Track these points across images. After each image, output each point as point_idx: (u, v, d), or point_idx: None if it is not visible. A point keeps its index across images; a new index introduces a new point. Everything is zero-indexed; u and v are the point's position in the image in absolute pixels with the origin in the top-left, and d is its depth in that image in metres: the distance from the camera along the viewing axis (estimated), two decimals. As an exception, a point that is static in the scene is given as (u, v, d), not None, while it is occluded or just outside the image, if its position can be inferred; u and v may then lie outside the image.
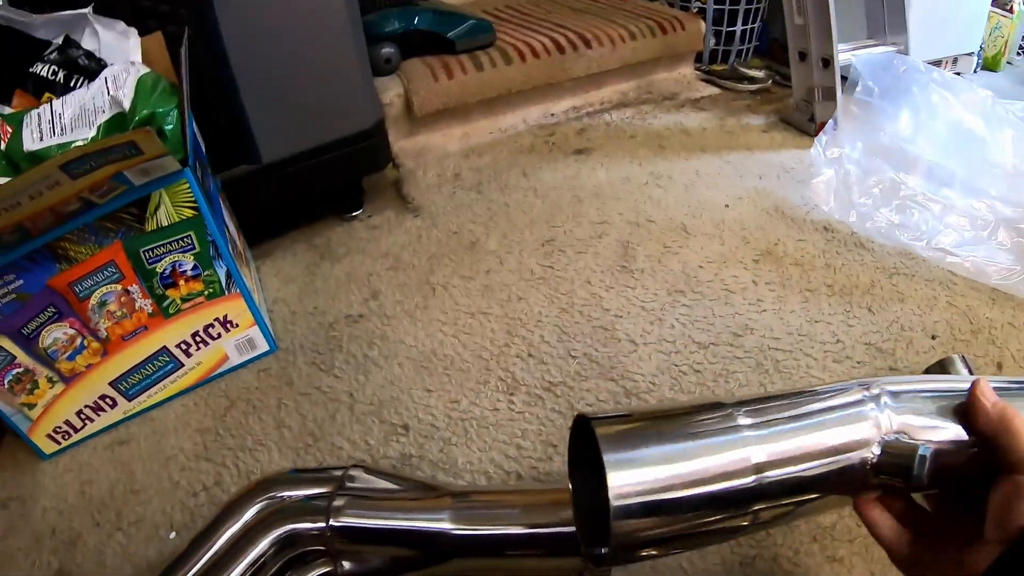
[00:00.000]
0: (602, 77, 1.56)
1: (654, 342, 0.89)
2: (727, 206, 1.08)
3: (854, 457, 0.43)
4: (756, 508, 0.43)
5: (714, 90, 1.64)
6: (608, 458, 0.40)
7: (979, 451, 0.43)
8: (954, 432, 0.44)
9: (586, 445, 0.46)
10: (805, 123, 1.38)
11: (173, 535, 0.72)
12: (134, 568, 0.70)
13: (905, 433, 0.44)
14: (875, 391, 0.45)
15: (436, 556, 0.65)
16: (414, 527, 0.64)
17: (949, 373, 0.66)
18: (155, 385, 0.85)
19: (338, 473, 0.70)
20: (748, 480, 0.42)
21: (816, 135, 1.23)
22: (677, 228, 1.05)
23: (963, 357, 0.69)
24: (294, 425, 0.82)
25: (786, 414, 0.44)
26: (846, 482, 0.44)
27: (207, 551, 0.64)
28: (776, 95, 1.61)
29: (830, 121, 1.22)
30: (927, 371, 0.69)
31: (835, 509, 0.64)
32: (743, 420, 0.43)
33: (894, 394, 0.45)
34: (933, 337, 0.87)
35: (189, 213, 0.76)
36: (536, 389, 0.85)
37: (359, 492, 0.67)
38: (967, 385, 0.45)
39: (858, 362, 0.85)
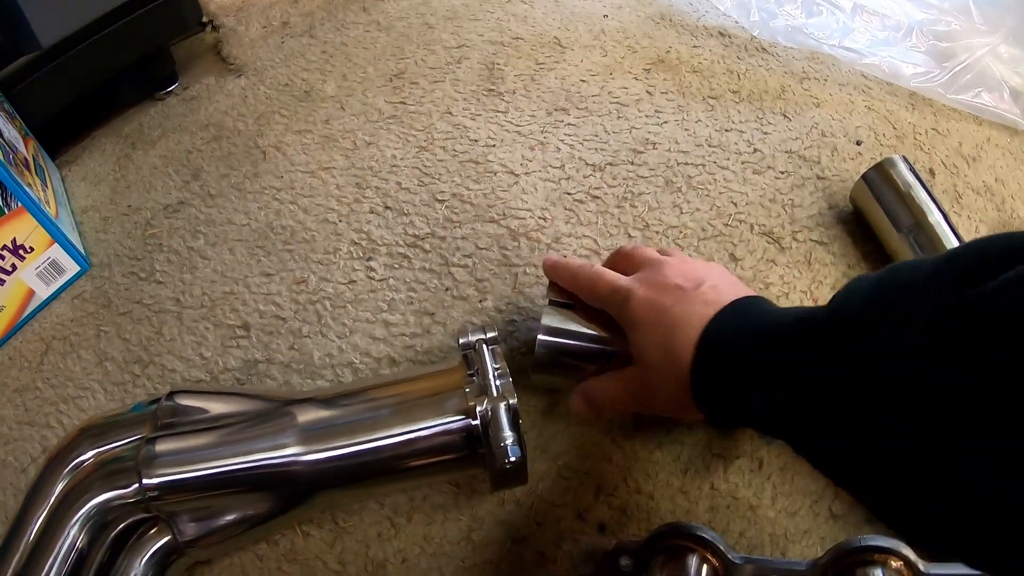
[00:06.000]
0: None
1: (538, 170, 0.72)
2: (606, 16, 0.92)
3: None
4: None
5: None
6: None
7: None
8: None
9: None
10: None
11: (9, 528, 0.57)
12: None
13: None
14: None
15: (292, 496, 0.48)
16: (252, 463, 0.47)
17: (891, 175, 0.66)
18: (-41, 348, 0.68)
19: (152, 407, 0.51)
20: None
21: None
22: (550, 43, 0.87)
23: (904, 158, 0.67)
24: (117, 355, 0.67)
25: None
26: None
27: (14, 554, 0.47)
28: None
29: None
30: (866, 175, 0.67)
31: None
32: None
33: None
34: (858, 143, 0.76)
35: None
36: (399, 247, 0.68)
37: (179, 429, 0.49)
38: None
39: (782, 172, 0.72)
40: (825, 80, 0.84)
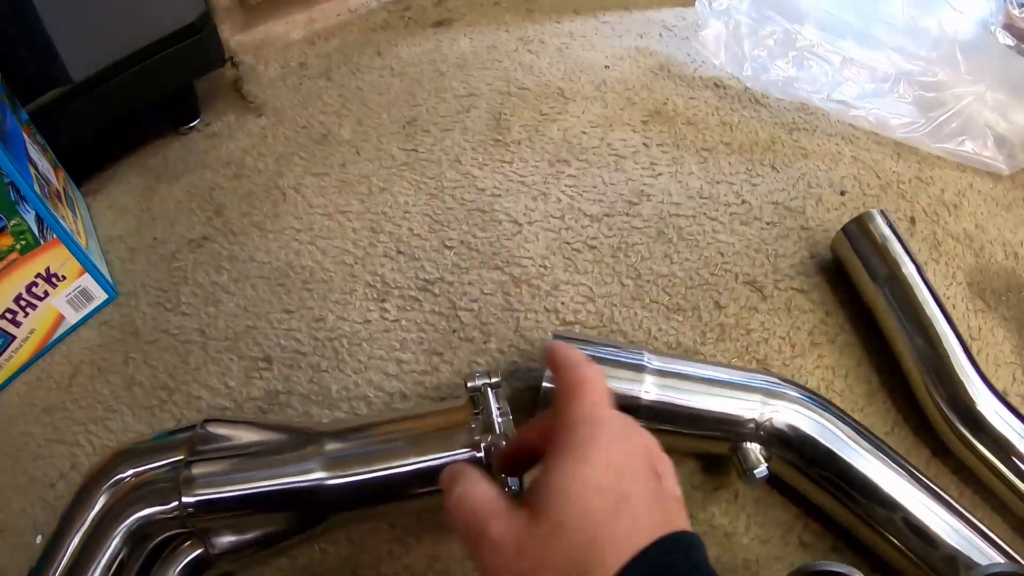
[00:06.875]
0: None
1: (540, 220, 0.78)
2: (607, 67, 0.97)
3: None
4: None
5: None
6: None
7: None
8: None
9: None
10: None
11: (39, 539, 0.62)
12: (8, 588, 0.61)
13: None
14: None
15: (315, 515, 0.54)
16: (281, 485, 0.52)
17: (869, 229, 0.70)
18: (-11, 368, 0.71)
19: (188, 434, 0.57)
20: None
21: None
22: (553, 94, 0.93)
23: (882, 211, 0.71)
24: (145, 380, 0.70)
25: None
26: None
27: (57, 564, 0.52)
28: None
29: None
30: (845, 227, 0.70)
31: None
32: None
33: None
34: (842, 193, 0.81)
35: (-27, 153, 0.61)
36: (410, 290, 0.73)
37: (213, 454, 0.54)
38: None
39: (767, 223, 0.78)
40: (814, 131, 0.89)
